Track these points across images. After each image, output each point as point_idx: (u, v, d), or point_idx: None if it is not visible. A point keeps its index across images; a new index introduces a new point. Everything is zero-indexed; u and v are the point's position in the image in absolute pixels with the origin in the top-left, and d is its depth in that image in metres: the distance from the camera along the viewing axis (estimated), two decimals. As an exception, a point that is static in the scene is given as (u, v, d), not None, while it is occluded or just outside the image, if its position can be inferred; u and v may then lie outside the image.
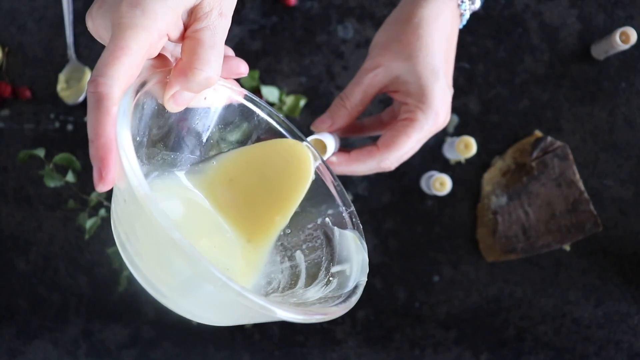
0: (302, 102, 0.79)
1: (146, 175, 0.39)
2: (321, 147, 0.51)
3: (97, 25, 0.36)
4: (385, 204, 0.79)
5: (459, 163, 0.78)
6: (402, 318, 0.79)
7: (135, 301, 0.81)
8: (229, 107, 0.43)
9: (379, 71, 0.51)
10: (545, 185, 0.75)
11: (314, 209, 0.44)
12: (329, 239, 0.43)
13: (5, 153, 0.82)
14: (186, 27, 0.36)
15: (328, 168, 0.46)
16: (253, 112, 0.44)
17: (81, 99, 0.80)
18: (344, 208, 0.44)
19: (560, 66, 0.77)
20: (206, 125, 0.42)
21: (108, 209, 0.77)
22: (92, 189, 0.77)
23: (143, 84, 0.34)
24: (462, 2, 0.52)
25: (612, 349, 0.78)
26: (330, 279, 0.40)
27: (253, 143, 0.45)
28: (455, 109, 0.78)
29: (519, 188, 0.76)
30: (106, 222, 0.78)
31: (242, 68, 0.41)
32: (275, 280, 0.41)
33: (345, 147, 0.55)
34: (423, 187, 0.78)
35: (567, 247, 0.77)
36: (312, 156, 0.45)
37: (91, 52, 0.81)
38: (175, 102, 0.36)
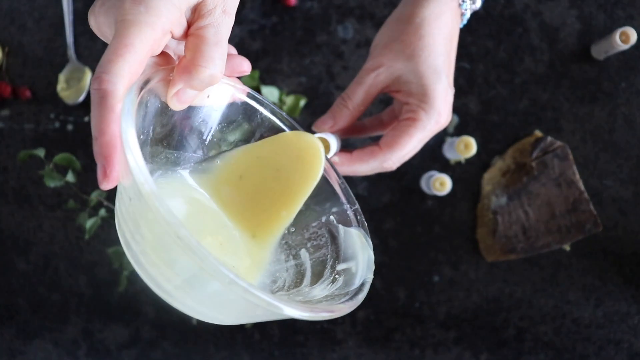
0: (302, 102, 0.79)
1: (150, 173, 0.39)
2: (324, 146, 0.51)
3: (100, 23, 0.35)
4: (385, 204, 0.79)
5: (459, 163, 0.78)
6: (402, 318, 0.79)
7: (135, 301, 0.81)
8: (232, 105, 0.43)
9: (380, 71, 0.51)
10: (545, 185, 0.75)
11: (318, 207, 0.44)
12: (333, 237, 0.43)
13: (5, 153, 0.82)
14: (189, 25, 0.36)
15: (332, 166, 0.46)
16: (256, 110, 0.44)
17: (81, 99, 0.80)
18: (348, 206, 0.44)
19: (560, 66, 0.77)
20: (209, 123, 0.42)
21: (108, 209, 0.77)
22: (92, 189, 0.77)
23: (147, 82, 0.34)
24: (463, 1, 0.52)
25: (612, 349, 0.78)
26: (336, 276, 0.40)
27: (257, 141, 0.45)
28: (455, 109, 0.78)
29: (519, 188, 0.76)
30: (106, 222, 0.78)
31: (245, 66, 0.41)
32: (281, 279, 0.41)
33: (346, 147, 0.55)
34: (423, 187, 0.78)
35: (567, 247, 0.77)
36: (322, 146, 0.45)
37: (91, 52, 0.81)
38: (178, 100, 0.36)
